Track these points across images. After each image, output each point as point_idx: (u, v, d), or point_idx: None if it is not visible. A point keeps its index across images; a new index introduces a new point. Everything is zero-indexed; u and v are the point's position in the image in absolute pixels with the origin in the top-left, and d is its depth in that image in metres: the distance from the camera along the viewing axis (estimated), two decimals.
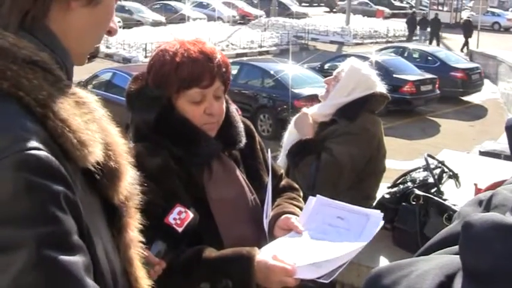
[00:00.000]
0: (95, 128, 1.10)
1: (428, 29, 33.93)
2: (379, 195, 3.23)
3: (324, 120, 3.35)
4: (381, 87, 3.39)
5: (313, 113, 3.43)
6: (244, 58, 23.07)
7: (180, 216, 1.90)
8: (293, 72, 15.36)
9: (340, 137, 3.21)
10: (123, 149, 1.20)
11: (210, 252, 1.98)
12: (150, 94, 2.08)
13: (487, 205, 0.89)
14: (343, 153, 3.17)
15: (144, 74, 2.15)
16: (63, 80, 1.11)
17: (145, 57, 22.94)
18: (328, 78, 3.48)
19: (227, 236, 2.05)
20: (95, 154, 1.07)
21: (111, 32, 1.28)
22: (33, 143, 0.97)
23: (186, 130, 2.07)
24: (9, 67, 1.03)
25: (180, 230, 1.89)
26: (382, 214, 2.12)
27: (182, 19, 35.01)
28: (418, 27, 34.77)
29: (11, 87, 1.02)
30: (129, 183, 1.21)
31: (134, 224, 1.25)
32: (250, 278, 1.92)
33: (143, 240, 1.29)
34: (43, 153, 0.97)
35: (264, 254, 1.96)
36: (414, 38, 34.07)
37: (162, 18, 35.78)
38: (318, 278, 1.91)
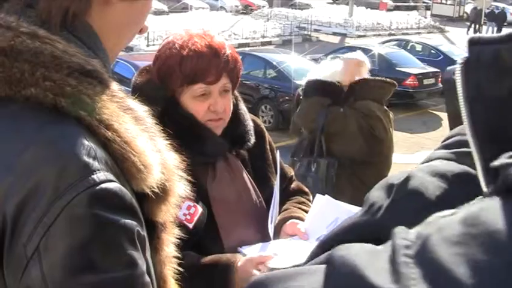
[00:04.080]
0: (154, 147, 1.02)
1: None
2: None
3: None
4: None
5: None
6: (247, 48, 22.98)
7: (190, 211, 1.84)
8: (295, 63, 15.30)
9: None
10: (174, 164, 1.10)
11: (190, 259, 1.86)
12: (153, 92, 1.96)
13: (397, 191, 0.72)
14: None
15: (151, 66, 2.08)
16: (118, 92, 1.02)
17: (147, 45, 22.86)
18: None
19: (227, 238, 1.98)
20: (155, 177, 0.99)
21: (142, 30, 1.17)
22: (105, 174, 0.90)
23: (191, 127, 1.99)
24: (68, 82, 0.93)
25: (191, 226, 1.83)
26: None
27: (184, 8, 34.95)
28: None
29: (72, 105, 0.92)
30: (176, 199, 1.11)
31: (170, 240, 1.16)
32: (232, 286, 1.85)
33: (178, 255, 1.20)
34: (116, 186, 0.91)
35: (246, 261, 1.88)
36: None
37: (165, 7, 35.63)
38: None
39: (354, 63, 3.47)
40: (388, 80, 3.54)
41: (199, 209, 1.85)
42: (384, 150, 3.41)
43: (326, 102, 3.34)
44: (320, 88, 3.41)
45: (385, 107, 3.50)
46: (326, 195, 2.16)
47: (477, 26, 35.52)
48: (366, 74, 3.57)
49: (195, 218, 1.84)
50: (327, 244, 0.73)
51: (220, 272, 1.86)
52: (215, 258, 1.91)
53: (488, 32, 34.81)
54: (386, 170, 3.45)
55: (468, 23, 35.62)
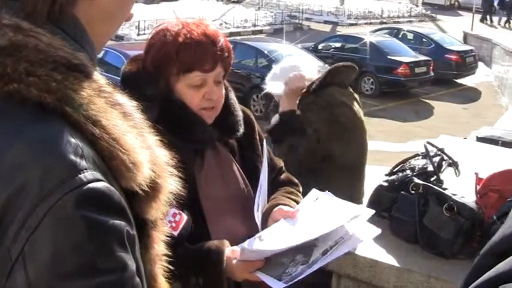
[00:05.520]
0: (143, 144, 0.98)
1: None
2: (376, 180, 3.14)
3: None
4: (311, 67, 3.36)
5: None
6: (238, 37, 22.93)
7: (175, 219, 1.84)
8: (287, 52, 15.24)
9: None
10: (164, 160, 1.06)
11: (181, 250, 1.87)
12: (143, 81, 1.97)
13: None
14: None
15: (141, 55, 2.06)
16: (106, 87, 0.97)
17: (138, 35, 22.74)
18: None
19: (215, 228, 1.98)
20: (144, 174, 0.95)
21: (128, 17, 1.14)
22: (93, 173, 0.86)
23: (183, 115, 1.99)
24: (53, 76, 0.88)
25: (175, 233, 1.82)
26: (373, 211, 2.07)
27: None
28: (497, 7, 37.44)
29: (57, 101, 0.87)
30: (167, 196, 1.07)
31: (160, 238, 1.13)
32: (221, 273, 1.88)
33: (168, 253, 1.17)
34: (104, 185, 0.87)
35: (229, 250, 1.91)
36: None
37: None
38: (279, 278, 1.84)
39: (296, 85, 3.26)
40: (347, 63, 3.40)
41: (185, 217, 1.85)
42: (356, 136, 3.32)
43: (295, 140, 3.20)
44: (283, 131, 3.24)
45: (351, 90, 3.36)
46: (326, 191, 2.15)
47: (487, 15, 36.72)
48: (317, 74, 3.37)
49: (180, 226, 1.84)
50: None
51: (212, 257, 1.89)
52: (204, 245, 1.92)
53: (501, 21, 36.30)
54: (364, 156, 3.37)
55: (467, 14, 36.11)
